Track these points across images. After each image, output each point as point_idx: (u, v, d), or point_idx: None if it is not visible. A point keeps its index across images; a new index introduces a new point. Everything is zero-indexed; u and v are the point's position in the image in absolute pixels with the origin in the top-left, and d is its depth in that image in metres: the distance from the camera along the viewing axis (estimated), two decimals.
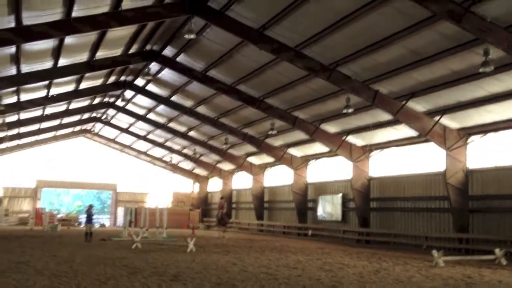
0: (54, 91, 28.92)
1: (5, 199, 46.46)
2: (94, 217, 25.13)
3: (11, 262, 14.27)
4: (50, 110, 34.62)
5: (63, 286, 10.05)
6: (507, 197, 20.14)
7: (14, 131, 38.68)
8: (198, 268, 13.83)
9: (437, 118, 21.76)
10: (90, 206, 25.55)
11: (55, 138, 47.54)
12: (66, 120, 41.01)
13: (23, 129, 39.57)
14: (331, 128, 27.82)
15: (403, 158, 26.42)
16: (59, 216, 45.17)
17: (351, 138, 27.96)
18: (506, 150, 20.74)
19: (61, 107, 34.69)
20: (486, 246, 19.45)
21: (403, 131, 24.22)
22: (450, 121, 21.86)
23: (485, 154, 21.64)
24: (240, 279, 11.80)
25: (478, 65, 16.11)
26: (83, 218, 44.54)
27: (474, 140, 22.08)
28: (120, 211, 47.31)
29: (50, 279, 10.89)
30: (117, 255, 16.97)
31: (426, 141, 23.24)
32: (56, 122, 40.70)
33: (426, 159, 24.62)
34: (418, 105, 21.65)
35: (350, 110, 22.48)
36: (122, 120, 42.33)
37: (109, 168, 50.91)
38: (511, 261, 16.94)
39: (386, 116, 23.36)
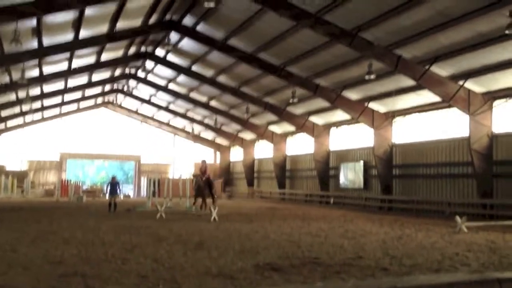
0: (76, 63, 29.09)
1: (30, 172, 47.36)
2: (118, 188, 25.26)
3: (40, 231, 14.60)
4: (72, 82, 34.90)
5: (91, 254, 10.27)
6: None
7: (38, 104, 39.17)
8: (221, 236, 13.98)
9: (461, 82, 21.35)
10: (114, 177, 25.79)
11: (78, 110, 48.05)
12: (88, 92, 41.36)
13: (46, 102, 40.06)
14: (352, 95, 27.55)
15: (426, 124, 26.11)
16: (84, 187, 45.95)
17: (373, 105, 27.68)
18: None
19: (83, 79, 34.94)
20: (510, 211, 19.26)
21: (426, 96, 23.86)
22: (474, 86, 21.44)
23: (510, 118, 21.23)
24: (263, 246, 11.90)
25: (503, 27, 15.67)
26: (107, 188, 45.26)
27: (500, 104, 21.65)
28: (144, 181, 47.94)
29: (78, 248, 11.12)
30: (142, 225, 17.24)
31: (450, 106, 22.88)
32: (78, 94, 41.09)
33: (449, 125, 24.31)
34: (441, 70, 21.25)
35: (372, 76, 22.19)
36: (143, 91, 42.53)
37: (132, 139, 51.43)
38: None
39: (408, 82, 23.00)
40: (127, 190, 52.21)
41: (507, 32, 15.62)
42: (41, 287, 7.13)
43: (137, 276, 7.95)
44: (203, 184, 23.19)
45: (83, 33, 23.48)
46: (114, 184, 24.91)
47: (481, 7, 16.24)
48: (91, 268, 8.55)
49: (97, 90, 42.36)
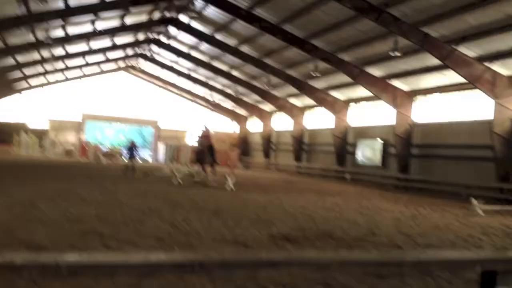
0: (100, 25, 29.12)
1: (51, 131, 47.98)
2: (136, 152, 25.52)
3: (59, 190, 14.88)
4: (95, 44, 35.00)
5: (108, 215, 10.46)
6: None
7: (61, 64, 39.45)
8: (237, 205, 14.12)
9: (487, 64, 20.95)
10: (132, 142, 26.03)
11: (100, 73, 48.31)
12: (111, 55, 41.49)
13: (69, 63, 40.29)
14: (375, 71, 27.23)
15: (448, 105, 25.74)
16: (103, 149, 46.46)
17: (395, 83, 27.35)
18: None
19: (106, 41, 35.02)
20: None
21: (451, 77, 23.46)
22: (501, 68, 21.02)
23: None
24: (278, 217, 12.02)
25: None
26: (126, 152, 45.75)
27: None
28: (161, 147, 48.27)
29: (96, 208, 11.34)
30: (159, 189, 17.46)
31: (474, 88, 22.51)
32: (101, 57, 41.26)
33: (472, 107, 23.94)
34: (468, 50, 20.86)
35: (397, 54, 21.87)
36: (165, 57, 42.51)
37: (152, 105, 51.67)
38: None
39: (434, 61, 22.60)
40: (144, 154, 52.71)
41: None
42: (60, 243, 7.30)
43: (153, 239, 8.10)
44: (206, 149, 22.02)
45: None
46: (132, 148, 25.17)
47: None
48: (109, 229, 8.73)
49: (120, 53, 42.45)
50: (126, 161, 25.38)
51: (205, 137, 22.33)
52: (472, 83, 21.73)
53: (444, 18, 19.28)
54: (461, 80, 22.52)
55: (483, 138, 22.74)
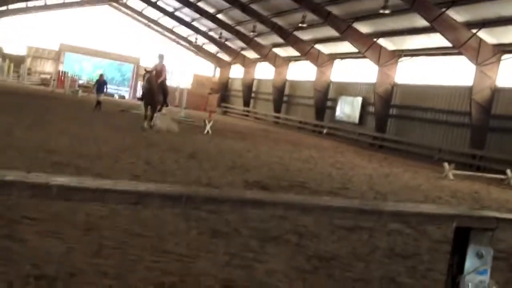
0: None
1: (28, 58, 46.83)
2: (108, 87, 24.83)
3: (35, 120, 14.67)
4: None
5: (84, 149, 10.37)
6: None
7: None
8: (213, 150, 14.14)
9: (474, 30, 20.94)
10: (101, 75, 25.32)
11: (82, 3, 46.88)
12: None
13: None
14: (363, 28, 27.00)
15: (431, 68, 25.84)
16: (80, 82, 45.70)
17: (382, 41, 27.22)
18: None
19: None
20: (499, 166, 19.44)
21: (436, 40, 23.41)
22: (487, 36, 21.06)
23: None
24: (253, 165, 12.09)
25: None
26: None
27: (508, 59, 21.36)
28: (140, 85, 47.63)
29: (72, 141, 11.22)
30: (135, 127, 17.32)
31: (458, 54, 22.55)
32: None
33: (455, 72, 24.07)
34: (457, 15, 20.79)
35: (387, 11, 21.67)
36: None
37: (133, 42, 50.57)
38: None
39: (422, 22, 22.49)
40: (122, 91, 52.03)
41: None
42: (36, 170, 7.25)
43: (129, 175, 8.09)
44: (157, 87, 17.19)
45: None
46: (101, 83, 24.52)
47: None
48: (84, 162, 8.67)
49: None
50: (96, 96, 24.68)
51: (159, 73, 17.39)
52: (457, 48, 21.77)
53: None
54: (446, 44, 22.53)
55: (461, 104, 23.01)
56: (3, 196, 2.46)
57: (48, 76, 45.56)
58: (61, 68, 47.50)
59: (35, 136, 11.14)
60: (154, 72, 17.11)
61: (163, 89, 17.58)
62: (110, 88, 38.85)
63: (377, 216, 2.68)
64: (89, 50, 49.37)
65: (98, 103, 23.72)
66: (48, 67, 48.03)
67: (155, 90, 17.01)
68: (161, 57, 17.75)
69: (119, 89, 52.59)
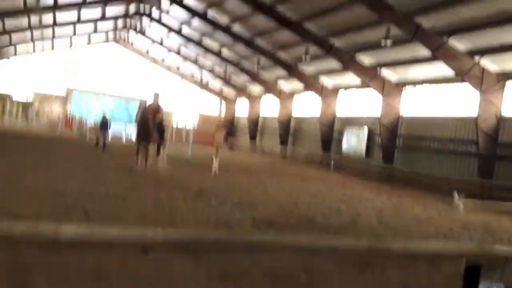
0: None
1: (35, 102, 47.34)
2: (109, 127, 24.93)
3: (44, 163, 14.72)
4: (85, 13, 34.44)
5: (93, 190, 10.36)
6: None
7: (49, 32, 38.77)
8: (221, 186, 14.10)
9: (477, 58, 21.04)
10: (104, 116, 25.19)
11: (89, 44, 47.61)
12: (101, 26, 40.90)
13: (58, 31, 39.62)
14: (366, 59, 27.21)
15: (436, 97, 25.88)
16: (88, 123, 46.00)
17: (385, 72, 27.38)
18: None
19: (96, 11, 34.47)
20: (509, 194, 19.26)
21: (440, 69, 23.53)
22: (489, 63, 21.12)
23: None
24: (261, 200, 12.03)
25: None
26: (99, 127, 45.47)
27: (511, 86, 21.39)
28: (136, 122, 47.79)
29: (80, 183, 11.23)
30: (144, 171, 17.32)
31: (462, 81, 22.60)
32: (90, 27, 40.63)
33: (459, 101, 24.09)
34: (459, 43, 20.91)
35: (389, 42, 21.85)
36: (156, 31, 42.05)
37: (139, 80, 51.10)
38: None
39: (424, 52, 22.64)
40: (130, 131, 52.16)
41: None
42: (44, 215, 7.23)
43: (137, 215, 8.06)
44: (152, 123, 15.77)
45: None
46: (104, 123, 24.54)
47: None
48: (93, 203, 8.66)
49: (110, 24, 41.88)
50: (98, 135, 24.82)
51: (155, 112, 15.93)
52: (461, 76, 21.85)
53: (437, 9, 19.31)
54: (450, 73, 22.62)
55: (468, 133, 22.93)
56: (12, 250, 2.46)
57: (56, 119, 45.91)
58: (69, 110, 47.89)
59: (44, 178, 11.17)
60: (150, 113, 15.83)
61: (160, 129, 16.32)
62: (117, 128, 38.86)
63: (386, 254, 2.64)
64: (96, 91, 49.90)
65: (103, 144, 23.71)
66: (56, 110, 48.45)
67: (150, 125, 15.62)
68: (156, 96, 16.28)
69: (127, 129, 52.64)
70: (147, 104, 16.74)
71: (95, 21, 37.68)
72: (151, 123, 15.65)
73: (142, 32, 43.78)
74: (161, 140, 16.62)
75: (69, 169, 13.75)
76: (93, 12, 34.27)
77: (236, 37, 33.27)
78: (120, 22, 41.81)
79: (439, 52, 21.37)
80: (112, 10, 35.23)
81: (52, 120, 46.29)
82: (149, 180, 13.37)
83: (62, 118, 42.98)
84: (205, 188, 13.18)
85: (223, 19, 31.79)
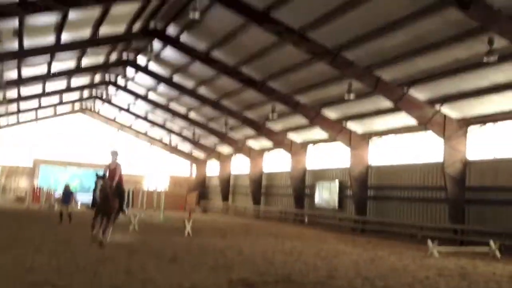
0: (56, 66, 28.75)
1: (2, 176, 46.42)
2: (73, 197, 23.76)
3: (10, 238, 14.31)
4: (50, 86, 34.44)
5: (62, 264, 10.08)
6: (504, 189, 20.13)
7: (14, 107, 38.54)
8: (195, 250, 13.88)
9: (437, 107, 21.68)
10: (67, 186, 24.22)
11: (55, 115, 47.40)
12: (66, 97, 40.89)
13: (22, 105, 39.42)
14: (331, 113, 27.74)
15: (402, 146, 26.36)
16: (56, 195, 45.19)
17: (351, 125, 27.90)
18: (505, 142, 20.69)
19: (61, 83, 34.53)
20: (481, 237, 19.45)
21: (403, 119, 24.10)
22: (450, 111, 21.77)
23: (484, 145, 21.57)
24: (237, 262, 11.87)
25: (482, 54, 15.96)
26: (79, 196, 44.68)
27: (474, 131, 21.99)
28: (93, 191, 47.04)
29: (49, 257, 10.92)
30: (114, 236, 16.99)
31: (426, 129, 23.16)
32: (56, 99, 40.57)
33: (425, 148, 24.59)
34: (419, 93, 21.56)
35: (352, 96, 22.37)
36: (122, 98, 42.21)
37: (108, 148, 50.74)
38: (505, 253, 17.00)
39: (387, 103, 23.24)
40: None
41: (485, 59, 15.92)
42: None
43: None
44: (112, 193, 13.61)
45: (65, 37, 23.23)
46: (67, 194, 23.41)
47: (460, 33, 16.54)
48: (62, 278, 8.39)
49: (76, 95, 41.93)
50: (60, 207, 23.42)
51: (112, 174, 13.82)
52: (423, 125, 22.41)
53: (395, 62, 19.95)
54: (414, 122, 23.18)
55: (436, 179, 23.31)
56: None
57: (23, 193, 44.95)
58: (36, 182, 47.04)
59: (11, 255, 10.82)
60: (107, 174, 13.76)
61: (119, 193, 14.04)
62: (86, 198, 38.08)
63: None
64: (64, 161, 49.31)
65: (68, 215, 22.31)
66: (23, 183, 47.54)
67: (110, 197, 13.51)
68: (114, 154, 14.25)
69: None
70: (105, 166, 14.31)
71: (60, 92, 37.68)
72: (110, 193, 13.44)
73: (108, 100, 43.90)
74: (120, 208, 14.06)
75: (36, 243, 13.37)
76: (58, 84, 34.29)
77: (203, 100, 33.64)
78: (86, 92, 41.89)
79: (401, 103, 21.95)
80: (78, 81, 35.34)
81: (19, 195, 45.32)
82: (120, 249, 13.06)
83: (30, 191, 42.10)
84: (179, 253, 12.95)
85: (188, 83, 32.19)
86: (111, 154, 14.27)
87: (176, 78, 32.09)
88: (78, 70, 30.81)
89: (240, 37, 22.73)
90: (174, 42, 26.07)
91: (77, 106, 47.14)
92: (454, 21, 15.98)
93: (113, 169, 13.86)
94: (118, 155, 14.35)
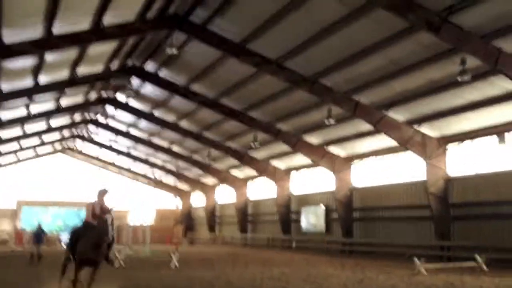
0: (34, 108, 28.69)
1: None
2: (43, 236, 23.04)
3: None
4: (30, 128, 34.26)
5: None
6: (486, 204, 20.45)
7: None
8: (182, 284, 13.78)
9: (416, 127, 22.05)
10: (39, 225, 23.83)
11: (36, 156, 47.02)
12: (47, 138, 40.63)
13: (2, 148, 39.09)
14: (313, 139, 28.00)
15: (385, 167, 26.63)
16: (44, 235, 44.42)
17: (333, 149, 28.16)
18: (484, 158, 21.07)
19: (41, 124, 34.37)
20: (467, 253, 19.60)
21: (384, 141, 24.42)
22: (429, 130, 22.16)
23: (464, 162, 21.94)
24: None
25: (455, 74, 16.38)
26: (63, 236, 44.07)
27: (453, 148, 22.34)
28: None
29: None
30: (101, 273, 16.77)
31: (407, 150, 23.46)
32: (36, 140, 40.29)
33: (408, 168, 24.87)
34: (397, 115, 21.93)
35: (332, 121, 22.67)
36: (103, 136, 42.07)
37: (91, 186, 50.35)
38: (491, 267, 17.14)
39: (367, 126, 23.55)
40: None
41: (458, 79, 16.34)
42: None
43: None
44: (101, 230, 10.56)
45: (43, 79, 23.27)
46: (38, 233, 22.81)
47: (433, 55, 16.99)
48: None
49: (56, 136, 41.68)
50: (32, 248, 22.53)
51: (100, 213, 11.00)
52: (404, 145, 22.72)
53: (372, 86, 20.34)
54: (395, 143, 23.48)
55: (419, 198, 23.53)
56: None
57: (6, 236, 44.15)
58: (19, 224, 46.32)
59: None
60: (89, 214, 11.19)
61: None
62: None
63: None
64: (47, 202, 48.74)
65: (38, 256, 21.54)
66: (6, 226, 46.77)
67: (102, 245, 10.60)
68: (101, 193, 11.68)
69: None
70: (88, 206, 11.52)
71: (40, 133, 37.46)
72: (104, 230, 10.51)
73: (89, 139, 43.75)
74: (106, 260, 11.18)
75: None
76: (38, 125, 34.10)
77: (185, 133, 33.73)
78: (66, 132, 41.67)
79: (380, 125, 22.29)
80: (58, 121, 35.18)
81: (2, 239, 44.49)
82: (106, 285, 12.91)
83: (13, 233, 41.38)
84: (166, 286, 12.85)
85: (170, 117, 32.30)
86: (98, 194, 11.73)
87: (157, 113, 32.19)
88: (58, 110, 30.74)
89: (218, 69, 23.04)
90: (153, 78, 26.28)
91: (58, 146, 46.84)
92: (426, 44, 16.47)
93: (99, 209, 11.07)
94: (107, 194, 11.84)
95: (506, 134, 19.95)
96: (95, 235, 10.38)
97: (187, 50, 21.83)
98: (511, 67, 15.54)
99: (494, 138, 20.45)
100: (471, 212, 21.21)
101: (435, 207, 22.08)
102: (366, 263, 20.95)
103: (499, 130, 19.94)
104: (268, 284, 13.49)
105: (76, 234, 10.96)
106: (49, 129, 36.71)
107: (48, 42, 18.10)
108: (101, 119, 37.33)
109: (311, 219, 31.98)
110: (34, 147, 42.75)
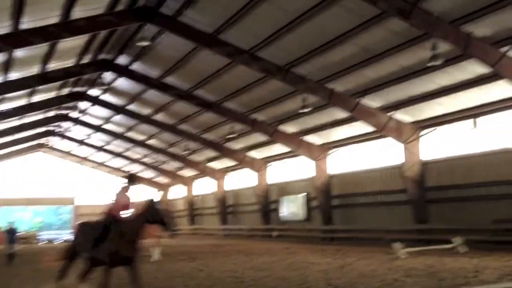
0: (5, 106, 28.18)
1: None
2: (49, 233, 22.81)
3: None
4: (2, 126, 33.65)
5: None
6: (461, 187, 20.80)
7: None
8: (163, 277, 13.75)
9: (390, 113, 22.25)
10: (11, 225, 23.37)
11: (10, 155, 46.26)
12: (20, 135, 39.96)
13: None
14: (289, 128, 28.05)
15: (363, 154, 26.84)
16: (17, 234, 43.81)
17: (309, 137, 28.26)
18: (456, 141, 21.39)
19: (13, 122, 33.78)
20: (444, 235, 19.91)
21: (361, 127, 24.58)
22: (404, 116, 22.37)
23: (438, 145, 22.25)
24: (207, 284, 11.83)
25: (427, 60, 16.58)
26: (42, 234, 43.61)
27: (427, 133, 22.60)
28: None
29: None
30: (80, 266, 16.65)
31: (383, 136, 23.66)
32: (9, 139, 39.59)
33: (386, 154, 25.07)
34: (372, 102, 22.09)
35: (307, 110, 22.75)
36: (79, 132, 41.57)
37: (68, 182, 49.87)
38: (469, 248, 17.45)
39: (342, 114, 23.70)
40: (62, 235, 50.12)
41: (429, 64, 16.53)
42: None
43: None
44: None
45: (13, 75, 22.86)
46: (11, 232, 22.57)
47: (404, 42, 17.12)
48: None
49: (30, 133, 41.00)
50: (6, 248, 22.10)
51: (123, 207, 11.12)
52: (380, 131, 22.93)
53: (345, 74, 20.44)
54: (371, 129, 23.66)
55: (396, 182, 23.80)
56: None
57: None
58: None
59: None
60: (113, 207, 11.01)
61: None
62: (50, 234, 37.10)
63: None
64: (24, 200, 48.11)
65: (10, 254, 21.24)
66: None
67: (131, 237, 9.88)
68: (124, 189, 11.57)
69: (59, 234, 50.64)
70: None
71: (14, 131, 36.79)
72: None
73: (65, 136, 43.19)
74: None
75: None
76: (11, 123, 33.48)
77: (161, 126, 33.52)
78: (41, 129, 41.00)
79: (356, 112, 22.43)
80: (31, 118, 34.55)
81: None
82: (86, 283, 12.81)
83: None
84: (147, 281, 12.78)
85: (145, 111, 32.04)
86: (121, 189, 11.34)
87: (132, 107, 31.91)
88: (30, 107, 30.21)
89: (192, 61, 22.88)
90: (126, 71, 25.99)
91: (33, 143, 46.13)
92: (397, 30, 16.58)
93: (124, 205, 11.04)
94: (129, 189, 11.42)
95: (477, 118, 20.24)
96: (127, 230, 9.57)
97: (160, 42, 21.61)
98: (481, 51, 15.75)
99: (467, 122, 20.74)
100: (446, 195, 21.53)
101: (411, 191, 22.40)
102: (346, 249, 21.17)
103: (471, 114, 20.22)
104: (250, 274, 13.54)
105: (98, 230, 10.05)
106: (23, 127, 36.11)
107: (17, 37, 17.75)
108: (75, 114, 36.85)
109: (291, 208, 32.13)
110: (8, 145, 42.01)
